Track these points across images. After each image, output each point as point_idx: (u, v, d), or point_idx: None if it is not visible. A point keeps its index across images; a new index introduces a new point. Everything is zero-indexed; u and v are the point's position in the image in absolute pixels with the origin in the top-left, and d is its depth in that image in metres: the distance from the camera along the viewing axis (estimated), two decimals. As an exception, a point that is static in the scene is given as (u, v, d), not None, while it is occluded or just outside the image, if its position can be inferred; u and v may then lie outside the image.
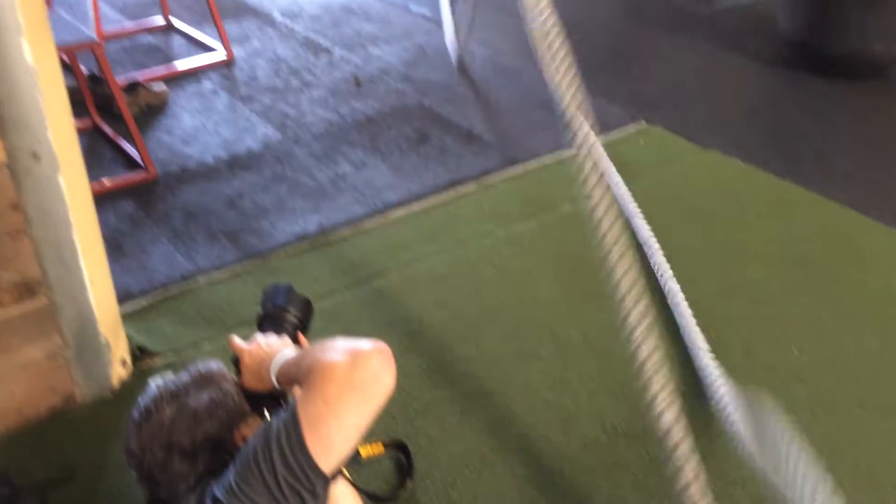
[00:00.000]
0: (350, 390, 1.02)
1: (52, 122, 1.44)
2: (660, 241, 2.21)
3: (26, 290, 1.51)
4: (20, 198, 1.44)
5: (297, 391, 1.20)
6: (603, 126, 2.91)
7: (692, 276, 2.13)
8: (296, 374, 1.16)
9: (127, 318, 1.86)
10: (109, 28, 3.45)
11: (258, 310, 1.52)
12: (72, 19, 2.47)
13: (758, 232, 2.37)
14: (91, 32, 2.38)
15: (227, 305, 2.03)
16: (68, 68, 2.65)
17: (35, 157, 1.43)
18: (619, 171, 2.66)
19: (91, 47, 2.40)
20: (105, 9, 3.72)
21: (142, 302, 2.03)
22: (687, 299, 2.03)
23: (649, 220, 2.33)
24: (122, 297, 1.92)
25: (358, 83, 3.24)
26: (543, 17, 1.45)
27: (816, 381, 1.83)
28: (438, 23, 3.77)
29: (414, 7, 3.99)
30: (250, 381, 1.29)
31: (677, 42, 3.72)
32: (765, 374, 1.83)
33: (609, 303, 2.06)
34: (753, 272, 2.19)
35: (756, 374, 1.83)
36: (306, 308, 1.51)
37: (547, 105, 3.10)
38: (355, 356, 1.04)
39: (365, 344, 1.06)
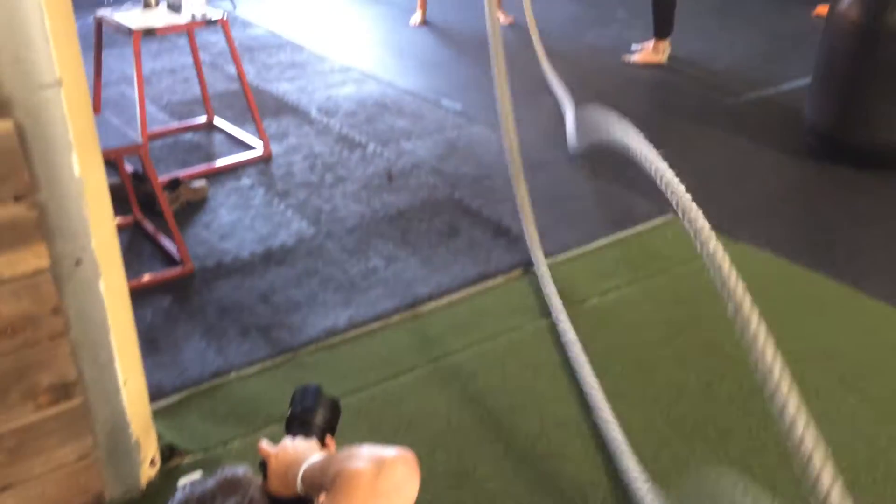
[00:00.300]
0: (374, 499, 1.03)
1: (96, 230, 1.51)
2: (686, 338, 2.21)
3: (63, 391, 1.55)
4: (62, 302, 1.50)
5: (322, 498, 1.20)
6: (630, 219, 2.96)
7: (722, 374, 2.11)
8: (321, 481, 1.17)
9: (158, 414, 1.89)
10: (155, 128, 3.63)
11: (287, 411, 1.54)
12: (119, 123, 2.60)
13: (789, 327, 2.33)
14: (136, 136, 2.51)
15: (257, 402, 2.05)
16: (114, 166, 2.78)
17: (78, 263, 1.50)
18: (647, 264, 2.68)
19: (135, 150, 2.52)
20: (151, 109, 3.91)
21: (173, 398, 2.06)
22: (716, 398, 2.00)
23: (675, 315, 2.33)
24: (155, 393, 1.96)
25: (390, 177, 3.33)
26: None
27: (854, 481, 1.78)
28: (469, 117, 3.90)
29: (446, 102, 4.12)
30: (277, 486, 1.30)
31: (705, 133, 3.77)
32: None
33: (639, 401, 2.05)
34: (786, 368, 2.16)
35: (792, 472, 1.78)
36: (334, 410, 1.53)
37: (575, 198, 3.18)
38: (380, 465, 1.05)
39: (390, 452, 1.08)
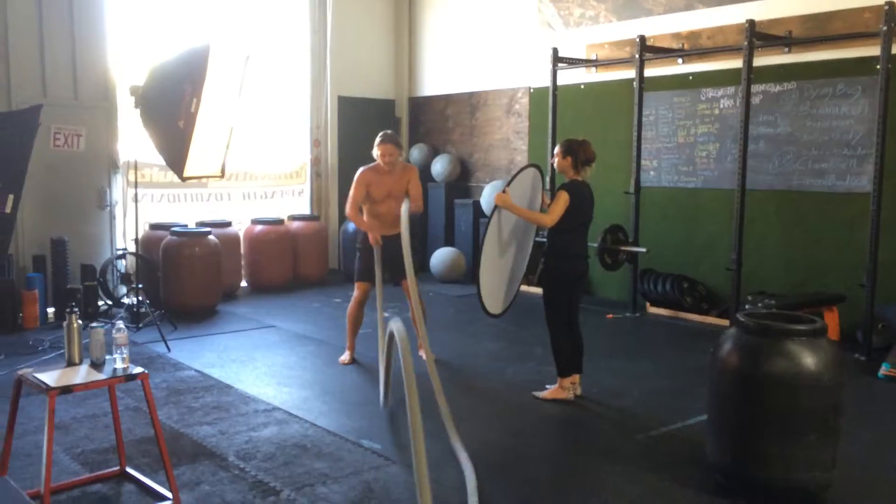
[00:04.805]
0: None
1: None
2: None
3: None
4: None
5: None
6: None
7: None
8: None
9: None
10: (63, 479, 3.57)
11: None
12: (16, 489, 2.58)
13: None
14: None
15: None
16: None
17: None
18: None
19: (28, 514, 2.48)
20: (64, 459, 3.88)
21: None
22: None
23: None
24: None
25: (301, 527, 3.27)
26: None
27: None
28: (387, 457, 3.95)
29: (366, 442, 4.18)
30: None
31: (617, 470, 3.86)
32: None
33: None
34: None
35: None
36: None
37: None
38: None
39: None
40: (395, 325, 3.27)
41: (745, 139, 6.50)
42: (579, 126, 8.10)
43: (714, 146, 7.43)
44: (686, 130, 7.65)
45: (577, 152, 4.80)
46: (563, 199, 4.70)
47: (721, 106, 7.35)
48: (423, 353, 5.82)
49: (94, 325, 3.50)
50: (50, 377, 3.21)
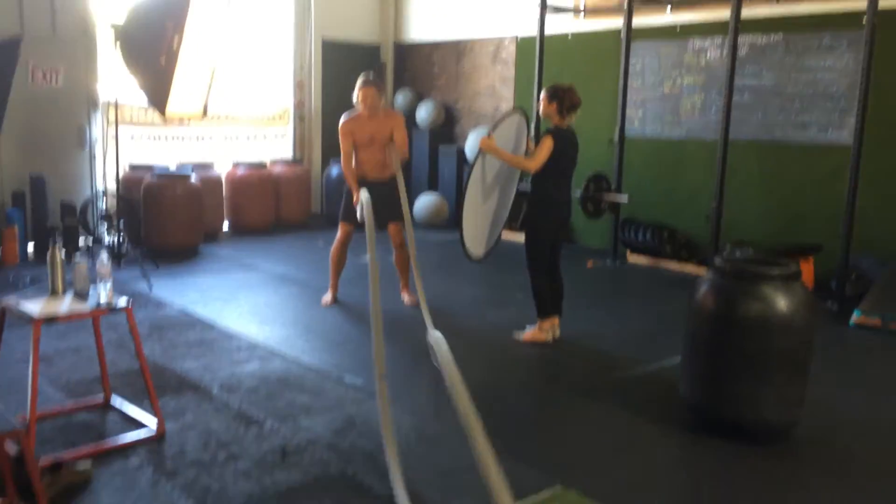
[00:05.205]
0: None
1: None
2: None
3: None
4: None
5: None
6: (518, 491, 3.00)
7: None
8: None
9: None
10: (48, 408, 3.61)
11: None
12: (1, 409, 2.61)
13: None
14: (14, 422, 2.52)
15: None
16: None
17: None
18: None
19: (16, 435, 2.52)
20: (49, 389, 3.91)
21: None
22: None
23: None
24: None
25: (284, 455, 3.34)
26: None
27: None
28: (369, 392, 4.01)
29: (348, 378, 4.25)
30: None
31: (593, 407, 3.97)
32: None
33: None
34: None
35: None
36: None
37: (469, 470, 3.22)
38: None
39: None
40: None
41: (730, 90, 6.52)
42: (566, 75, 8.05)
43: (699, 97, 7.44)
44: (672, 81, 7.65)
45: (563, 98, 4.79)
46: (548, 144, 4.71)
47: (708, 57, 7.34)
48: (405, 296, 5.89)
49: (77, 257, 3.50)
50: (34, 307, 3.22)
